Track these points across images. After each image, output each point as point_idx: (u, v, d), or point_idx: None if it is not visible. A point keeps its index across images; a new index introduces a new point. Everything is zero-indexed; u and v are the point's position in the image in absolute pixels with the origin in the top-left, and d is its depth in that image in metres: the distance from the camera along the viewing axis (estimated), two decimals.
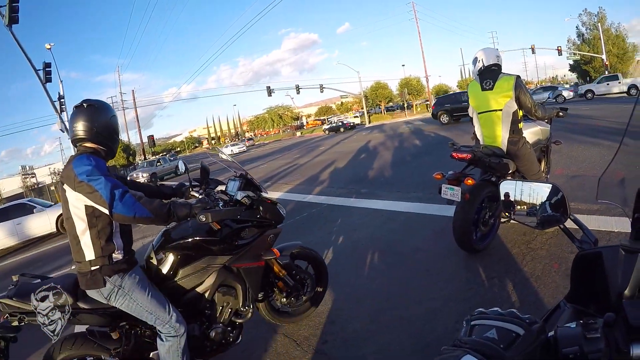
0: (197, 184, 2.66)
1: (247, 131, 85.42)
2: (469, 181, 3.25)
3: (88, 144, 1.92)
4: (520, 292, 2.73)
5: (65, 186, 1.82)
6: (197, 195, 2.58)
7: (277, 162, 17.87)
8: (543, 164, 4.07)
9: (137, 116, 41.69)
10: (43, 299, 1.81)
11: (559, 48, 37.06)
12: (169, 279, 2.14)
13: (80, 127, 1.90)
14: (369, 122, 43.01)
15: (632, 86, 22.79)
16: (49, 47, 23.37)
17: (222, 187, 2.66)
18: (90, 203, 1.77)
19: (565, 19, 70.39)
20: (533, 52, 38.47)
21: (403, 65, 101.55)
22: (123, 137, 46.71)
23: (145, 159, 37.96)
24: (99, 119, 1.93)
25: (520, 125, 3.47)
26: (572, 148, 7.09)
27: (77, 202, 1.81)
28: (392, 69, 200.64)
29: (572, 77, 54.55)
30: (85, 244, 1.85)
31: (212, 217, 1.90)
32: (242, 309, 2.37)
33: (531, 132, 3.84)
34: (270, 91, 38.40)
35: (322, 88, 42.39)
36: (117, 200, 1.73)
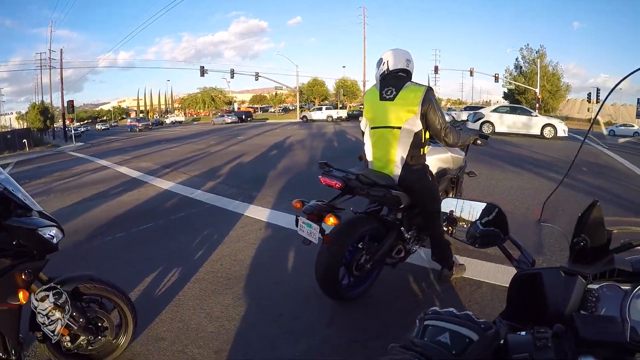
0: None
1: (178, 109, 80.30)
2: (332, 220, 2.43)
3: None
4: None
5: None
6: None
7: (190, 146, 16.51)
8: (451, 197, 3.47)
9: (62, 78, 37.42)
10: (43, 299, 1.77)
11: (496, 75, 39.38)
12: None
13: None
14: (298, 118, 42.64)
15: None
16: None
17: None
18: None
19: (507, 50, 76.15)
20: (471, 74, 40.37)
21: (344, 67, 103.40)
22: (45, 98, 41.60)
23: (64, 124, 33.78)
24: None
25: (425, 150, 2.69)
26: (492, 176, 6.76)
27: None
28: (332, 69, 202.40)
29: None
30: None
31: None
32: (2, 356, 1.91)
33: (438, 159, 3.15)
34: (203, 71, 36.93)
35: (257, 76, 41.15)
36: None
